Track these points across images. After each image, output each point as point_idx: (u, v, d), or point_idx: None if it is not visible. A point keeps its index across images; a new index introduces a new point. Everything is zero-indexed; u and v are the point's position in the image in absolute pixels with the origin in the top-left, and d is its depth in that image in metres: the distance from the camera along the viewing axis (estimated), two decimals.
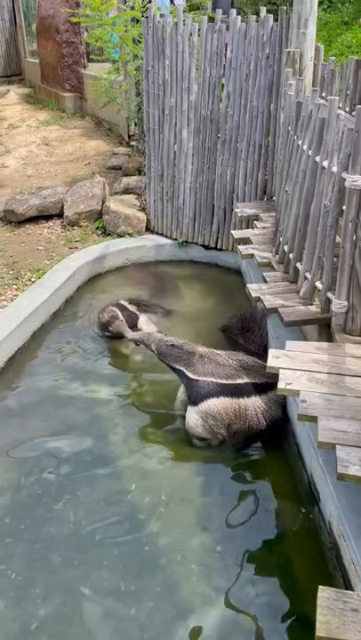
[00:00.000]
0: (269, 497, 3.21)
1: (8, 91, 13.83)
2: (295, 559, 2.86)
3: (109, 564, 2.82)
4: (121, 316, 4.51)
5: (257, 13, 5.00)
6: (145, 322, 4.65)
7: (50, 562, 2.84)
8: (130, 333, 4.18)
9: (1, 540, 2.95)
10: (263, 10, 4.93)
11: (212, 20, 5.17)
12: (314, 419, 2.57)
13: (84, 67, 11.09)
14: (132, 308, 4.74)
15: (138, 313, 4.72)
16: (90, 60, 11.01)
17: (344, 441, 2.41)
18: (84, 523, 3.03)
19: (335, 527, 2.69)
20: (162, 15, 5.49)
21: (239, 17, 4.95)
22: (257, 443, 3.55)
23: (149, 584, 2.73)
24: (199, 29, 5.17)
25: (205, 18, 5.20)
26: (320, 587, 2.01)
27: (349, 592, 2.03)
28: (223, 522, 3.04)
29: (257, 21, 4.88)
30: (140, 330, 4.45)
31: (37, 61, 12.96)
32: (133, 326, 4.53)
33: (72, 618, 2.60)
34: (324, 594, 1.98)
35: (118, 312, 4.54)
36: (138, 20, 7.10)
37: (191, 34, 5.20)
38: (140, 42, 6.70)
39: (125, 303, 4.76)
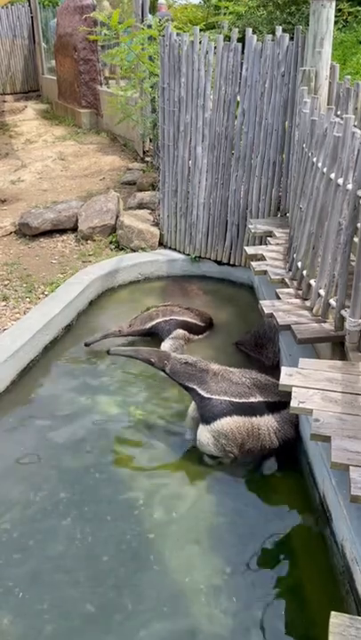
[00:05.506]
0: (281, 517, 3.16)
1: (25, 106, 14.05)
2: (306, 582, 2.81)
3: (116, 582, 2.79)
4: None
5: (273, 32, 5.04)
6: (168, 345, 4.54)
7: (56, 579, 2.81)
8: (138, 352, 3.95)
9: (9, 556, 2.93)
10: (279, 29, 4.96)
11: (228, 38, 5.22)
12: (327, 438, 2.53)
13: (101, 84, 11.25)
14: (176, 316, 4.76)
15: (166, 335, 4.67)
16: (106, 78, 11.19)
17: (358, 462, 2.36)
18: (90, 540, 3.01)
19: (348, 551, 2.63)
20: (178, 34, 5.56)
21: (255, 36, 4.99)
22: (269, 461, 3.51)
23: (156, 603, 2.69)
24: (215, 48, 5.22)
25: (221, 37, 5.25)
26: (333, 612, 1.96)
27: None
28: (233, 542, 2.99)
29: (273, 40, 4.92)
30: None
31: (55, 78, 13.16)
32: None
33: (77, 636, 2.57)
34: (336, 620, 1.93)
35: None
36: (155, 38, 7.19)
37: (207, 52, 5.25)
38: (156, 59, 6.77)
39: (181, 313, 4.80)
